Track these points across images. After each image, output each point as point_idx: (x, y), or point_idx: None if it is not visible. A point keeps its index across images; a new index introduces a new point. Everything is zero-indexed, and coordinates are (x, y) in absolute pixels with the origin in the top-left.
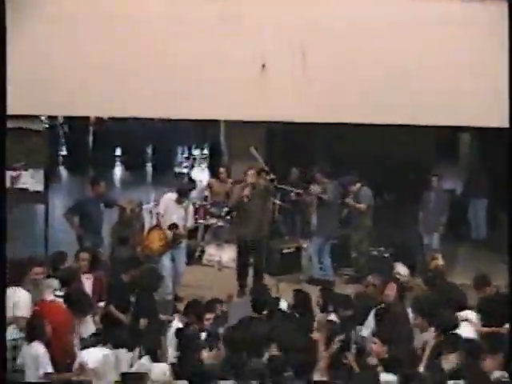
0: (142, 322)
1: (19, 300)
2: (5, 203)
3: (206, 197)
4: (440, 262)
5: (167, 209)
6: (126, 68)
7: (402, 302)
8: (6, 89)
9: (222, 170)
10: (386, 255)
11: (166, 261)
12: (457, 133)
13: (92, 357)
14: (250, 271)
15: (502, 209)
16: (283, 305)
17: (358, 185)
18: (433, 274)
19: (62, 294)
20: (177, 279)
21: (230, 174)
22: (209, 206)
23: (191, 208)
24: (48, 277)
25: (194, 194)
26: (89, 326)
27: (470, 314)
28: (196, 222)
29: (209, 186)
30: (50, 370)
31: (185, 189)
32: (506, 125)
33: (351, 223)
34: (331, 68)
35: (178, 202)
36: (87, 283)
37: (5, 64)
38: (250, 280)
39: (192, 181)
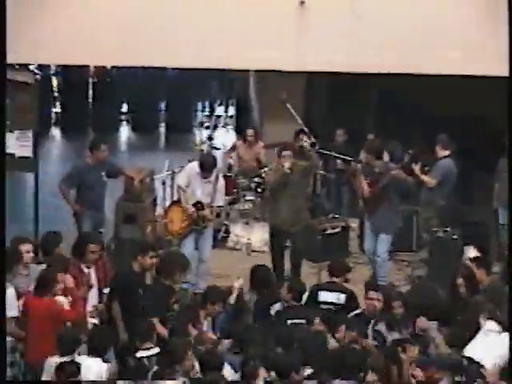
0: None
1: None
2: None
3: (231, 166)
4: None
5: (190, 182)
6: (134, 11)
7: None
8: None
9: (250, 131)
10: (455, 237)
11: (189, 246)
12: None
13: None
14: (286, 256)
15: None
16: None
17: (445, 152)
18: None
19: None
20: (200, 269)
21: (261, 137)
22: (235, 176)
23: (222, 184)
24: (38, 263)
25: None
26: None
27: None
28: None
29: (234, 149)
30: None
31: (210, 161)
32: None
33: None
34: (386, 7)
35: (203, 176)
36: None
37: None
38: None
39: (216, 149)
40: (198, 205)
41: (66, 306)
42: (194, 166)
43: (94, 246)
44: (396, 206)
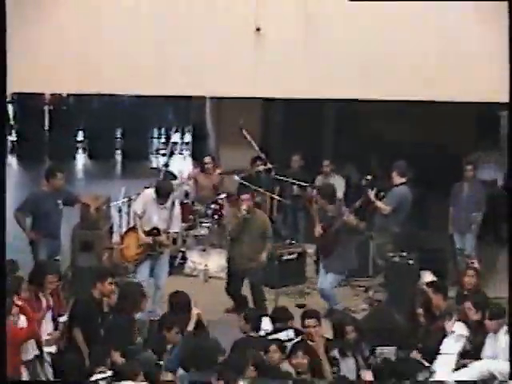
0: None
1: None
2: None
3: (187, 193)
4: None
5: (146, 208)
6: (90, 37)
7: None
8: None
9: (207, 159)
10: (411, 262)
11: (144, 272)
12: (497, 111)
13: None
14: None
15: None
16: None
17: (401, 180)
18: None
19: None
20: (156, 296)
21: (218, 163)
22: (191, 204)
23: (178, 210)
24: None
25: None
26: None
27: None
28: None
29: (192, 178)
30: None
31: (166, 187)
32: None
33: (372, 224)
34: (340, 32)
35: (160, 202)
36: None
37: None
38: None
39: (173, 175)
40: (154, 231)
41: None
42: (150, 193)
43: (51, 276)
44: (350, 248)
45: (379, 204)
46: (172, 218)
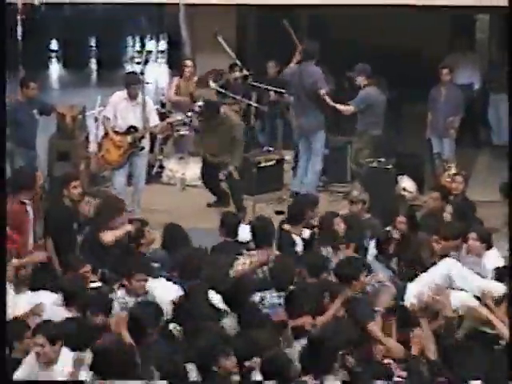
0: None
1: None
2: None
3: (163, 103)
4: (454, 173)
5: (118, 111)
6: None
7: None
8: None
9: (188, 62)
10: (388, 167)
11: (120, 181)
12: (472, 16)
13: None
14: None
15: None
16: None
17: (366, 81)
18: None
19: None
20: (135, 198)
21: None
22: (168, 112)
23: (150, 103)
24: None
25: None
26: None
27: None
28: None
29: (173, 85)
30: None
31: (135, 81)
32: None
33: (349, 128)
34: None
35: (131, 99)
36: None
37: None
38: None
39: (147, 83)
40: (131, 129)
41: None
42: (120, 94)
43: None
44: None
45: (341, 107)
46: (146, 113)
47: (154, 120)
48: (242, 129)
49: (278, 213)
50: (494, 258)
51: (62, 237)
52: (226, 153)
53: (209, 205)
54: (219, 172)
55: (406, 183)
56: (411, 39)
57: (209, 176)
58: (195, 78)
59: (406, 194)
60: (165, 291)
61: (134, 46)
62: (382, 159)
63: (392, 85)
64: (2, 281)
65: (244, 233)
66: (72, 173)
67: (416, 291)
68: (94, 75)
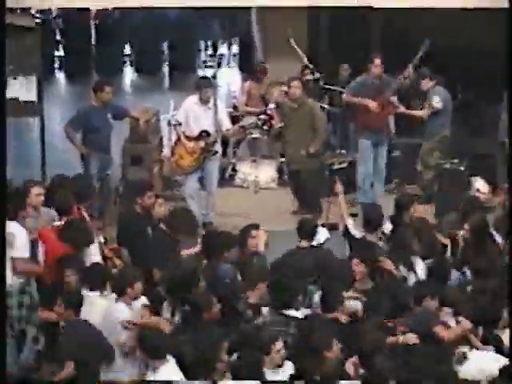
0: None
1: (15, 238)
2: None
3: (235, 106)
4: None
5: (190, 116)
6: None
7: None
8: None
9: (261, 66)
10: (461, 168)
11: (193, 185)
12: None
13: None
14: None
15: None
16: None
17: (431, 83)
18: None
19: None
20: (209, 202)
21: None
22: (241, 116)
23: (222, 107)
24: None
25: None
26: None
27: None
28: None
29: (245, 89)
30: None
31: (207, 85)
32: None
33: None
34: None
35: (203, 103)
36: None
37: None
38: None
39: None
40: (204, 134)
41: None
42: (191, 98)
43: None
44: None
45: (415, 112)
46: (218, 117)
47: (227, 124)
48: (324, 121)
49: (352, 215)
50: None
51: (137, 243)
52: (308, 143)
53: (293, 212)
54: (301, 173)
55: (479, 184)
56: (487, 39)
57: (292, 178)
58: (267, 81)
59: (479, 195)
60: None
61: (206, 50)
62: (455, 160)
63: (465, 87)
64: (2, 283)
65: (321, 235)
66: (147, 182)
67: None
68: (167, 79)
